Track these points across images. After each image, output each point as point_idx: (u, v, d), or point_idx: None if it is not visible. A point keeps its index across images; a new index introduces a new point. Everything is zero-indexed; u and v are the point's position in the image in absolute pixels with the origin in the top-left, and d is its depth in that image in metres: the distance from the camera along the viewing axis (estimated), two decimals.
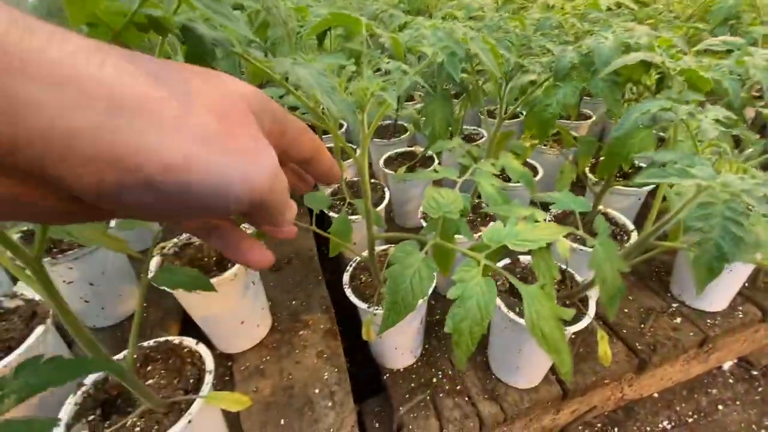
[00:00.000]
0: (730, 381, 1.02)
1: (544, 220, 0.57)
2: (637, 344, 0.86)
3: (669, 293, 0.98)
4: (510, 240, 0.43)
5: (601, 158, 0.86)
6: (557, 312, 0.42)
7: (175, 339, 0.61)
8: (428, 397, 0.78)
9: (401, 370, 0.83)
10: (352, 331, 0.92)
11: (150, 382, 0.56)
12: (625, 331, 0.89)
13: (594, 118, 1.39)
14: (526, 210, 0.50)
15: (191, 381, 0.57)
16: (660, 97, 0.62)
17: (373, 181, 1.11)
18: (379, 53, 0.85)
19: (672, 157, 0.44)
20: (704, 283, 0.36)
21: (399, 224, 1.26)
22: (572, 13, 1.22)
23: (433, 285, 0.49)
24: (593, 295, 0.69)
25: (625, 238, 0.87)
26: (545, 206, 0.89)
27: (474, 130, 1.38)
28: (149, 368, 0.58)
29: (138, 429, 0.50)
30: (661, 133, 0.86)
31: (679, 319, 0.92)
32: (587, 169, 1.01)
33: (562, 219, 0.94)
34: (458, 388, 0.79)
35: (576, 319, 0.65)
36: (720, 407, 0.96)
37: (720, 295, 0.92)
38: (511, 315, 0.65)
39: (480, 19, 1.25)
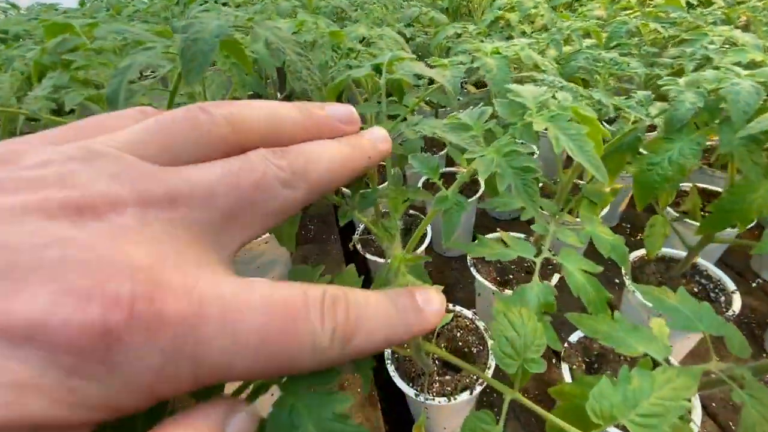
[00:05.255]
0: None
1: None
2: None
3: None
4: (626, 416, 0.29)
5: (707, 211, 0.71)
6: None
7: None
8: None
9: None
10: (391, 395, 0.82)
11: None
12: None
13: None
14: (642, 339, 0.37)
15: None
16: None
17: (411, 211, 1.00)
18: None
19: None
20: None
21: (437, 252, 1.14)
22: (644, 12, 1.04)
23: None
24: None
25: (722, 298, 0.72)
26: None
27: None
28: None
29: None
30: None
31: None
32: (669, 207, 0.86)
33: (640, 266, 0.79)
34: None
35: None
36: None
37: None
38: None
39: (534, 19, 1.08)
